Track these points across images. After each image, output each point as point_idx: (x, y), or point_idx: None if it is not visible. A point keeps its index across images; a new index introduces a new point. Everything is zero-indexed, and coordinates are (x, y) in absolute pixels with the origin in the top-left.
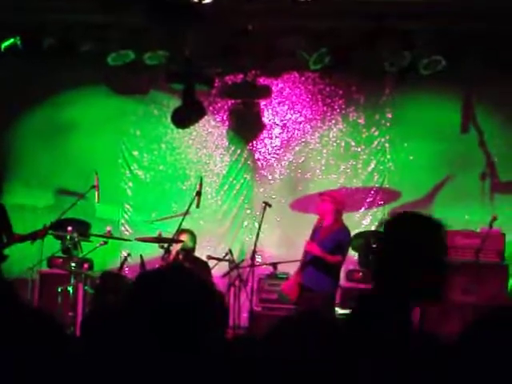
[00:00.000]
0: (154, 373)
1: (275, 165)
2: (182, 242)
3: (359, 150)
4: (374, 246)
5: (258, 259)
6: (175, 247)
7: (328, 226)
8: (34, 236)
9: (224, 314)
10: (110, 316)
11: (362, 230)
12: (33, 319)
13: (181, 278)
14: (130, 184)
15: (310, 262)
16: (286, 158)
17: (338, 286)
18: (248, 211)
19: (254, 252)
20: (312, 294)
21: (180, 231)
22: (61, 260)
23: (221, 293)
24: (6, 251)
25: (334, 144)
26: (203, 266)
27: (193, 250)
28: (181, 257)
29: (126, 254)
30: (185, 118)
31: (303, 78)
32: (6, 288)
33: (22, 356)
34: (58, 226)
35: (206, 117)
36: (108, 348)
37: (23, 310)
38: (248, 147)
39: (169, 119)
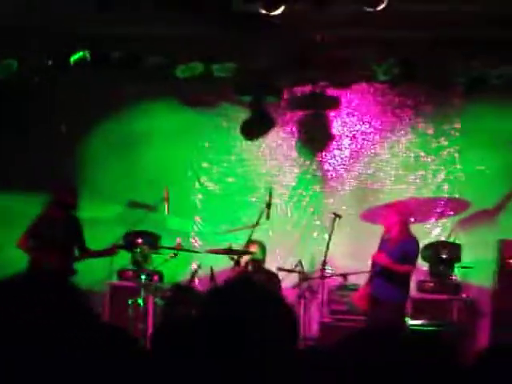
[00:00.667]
0: None
1: (344, 176)
2: (251, 253)
3: (428, 160)
4: (445, 256)
5: (328, 270)
6: (245, 259)
7: (395, 237)
8: (105, 254)
9: (294, 327)
10: (180, 329)
11: (431, 240)
12: (107, 332)
13: (251, 292)
14: (200, 196)
15: (378, 273)
16: (355, 169)
17: (408, 296)
18: (317, 222)
19: (324, 263)
20: (381, 305)
21: (250, 242)
22: (131, 272)
23: (290, 306)
24: (77, 265)
25: (403, 155)
26: (273, 278)
27: (263, 261)
28: (250, 268)
29: (196, 266)
30: (254, 129)
31: (372, 89)
32: (80, 300)
33: (95, 368)
34: (129, 243)
35: (275, 128)
36: (179, 361)
37: (97, 323)
38: (317, 158)
39: (238, 131)
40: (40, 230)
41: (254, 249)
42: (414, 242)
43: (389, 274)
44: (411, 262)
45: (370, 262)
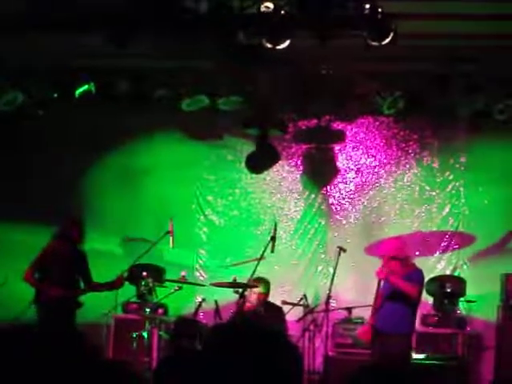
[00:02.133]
0: None
1: (349, 209)
2: (256, 287)
3: (434, 194)
4: (449, 290)
5: (333, 304)
6: (251, 293)
7: (399, 271)
8: (110, 286)
9: (298, 365)
10: (185, 362)
11: (436, 274)
12: (106, 372)
13: (254, 331)
14: (205, 229)
15: (383, 305)
16: (360, 202)
17: (414, 328)
18: (322, 256)
19: (329, 297)
20: (388, 338)
21: (254, 280)
22: (136, 305)
23: (294, 343)
24: (82, 298)
25: (409, 188)
26: (277, 312)
27: (266, 295)
28: (256, 303)
29: (200, 299)
30: (259, 163)
31: (377, 123)
32: (77, 341)
33: None
34: (133, 275)
35: (279, 162)
36: None
37: (96, 363)
38: (322, 192)
39: (243, 164)
40: (46, 263)
41: (258, 284)
42: (419, 271)
43: (394, 304)
44: (419, 288)
45: (374, 296)
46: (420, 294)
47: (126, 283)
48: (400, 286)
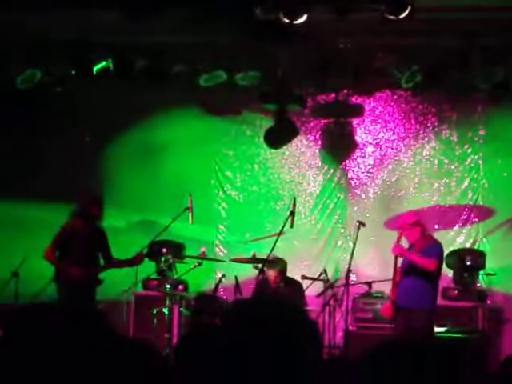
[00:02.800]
0: None
1: (368, 184)
2: (276, 262)
3: (452, 167)
4: (469, 263)
5: (353, 278)
6: (268, 272)
7: (418, 243)
8: (130, 263)
9: (317, 342)
10: (205, 338)
11: (456, 247)
12: (126, 351)
13: (274, 307)
14: (224, 205)
15: (404, 281)
16: (379, 176)
17: (436, 302)
18: (342, 230)
19: (349, 271)
20: (410, 313)
21: (270, 262)
22: (156, 282)
23: (313, 320)
24: (102, 275)
25: (427, 162)
26: (296, 287)
27: (284, 274)
28: (278, 280)
29: (220, 275)
30: (277, 138)
31: (395, 97)
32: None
33: None
34: (153, 251)
35: (298, 136)
36: (202, 370)
37: (115, 342)
38: (341, 166)
39: (261, 139)
40: (65, 241)
41: (274, 265)
42: (438, 244)
43: (414, 279)
44: (438, 261)
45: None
46: (439, 267)
47: (146, 260)
48: (416, 261)
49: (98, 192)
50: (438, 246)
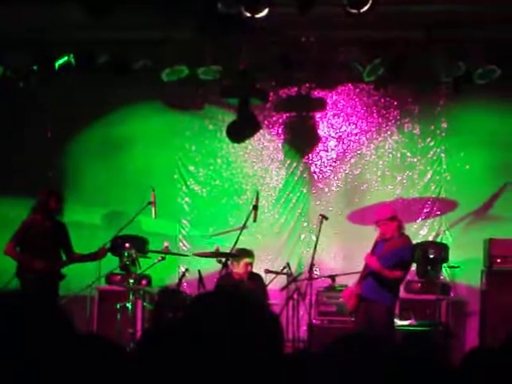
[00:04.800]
0: None
1: (331, 177)
2: (238, 256)
3: (415, 160)
4: (432, 256)
5: (316, 272)
6: (239, 263)
7: (392, 241)
8: (93, 257)
9: (279, 336)
10: (168, 332)
11: (419, 240)
12: (88, 345)
13: (235, 301)
14: (187, 199)
15: (370, 274)
16: (341, 170)
17: (397, 299)
18: (305, 224)
19: (312, 265)
20: (371, 304)
21: (239, 251)
22: (119, 277)
23: (274, 312)
24: (65, 270)
25: (390, 155)
26: (258, 281)
27: (252, 265)
28: (245, 273)
29: (184, 270)
30: (240, 132)
31: (358, 90)
32: (58, 315)
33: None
34: (116, 246)
35: (261, 131)
36: (166, 365)
37: (77, 337)
38: (304, 160)
39: (224, 134)
40: (26, 236)
41: (244, 255)
42: (410, 248)
43: (380, 276)
44: (404, 269)
45: (358, 263)
46: (406, 273)
47: (109, 254)
48: (386, 274)
49: (57, 186)
50: (409, 252)
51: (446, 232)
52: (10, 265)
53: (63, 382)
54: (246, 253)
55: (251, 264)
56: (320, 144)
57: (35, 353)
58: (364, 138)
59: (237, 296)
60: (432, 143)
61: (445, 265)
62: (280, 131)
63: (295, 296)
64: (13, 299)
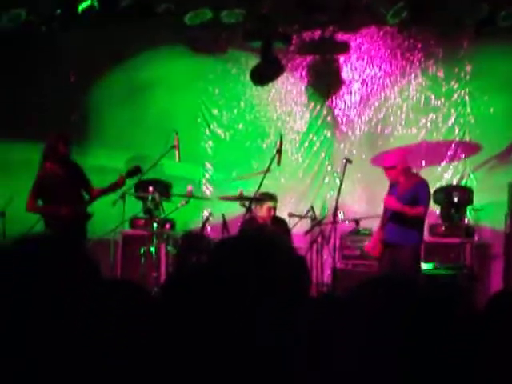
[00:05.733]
0: (233, 335)
1: (355, 121)
2: (262, 199)
3: (439, 103)
4: (456, 199)
5: (340, 216)
6: (262, 207)
7: (404, 183)
8: (113, 188)
9: (305, 276)
10: (192, 276)
11: (443, 183)
12: (112, 291)
13: (260, 244)
14: (210, 143)
15: (391, 218)
16: (365, 113)
17: (422, 239)
18: (329, 168)
19: (336, 209)
20: (396, 249)
21: (262, 195)
22: (143, 221)
23: (301, 256)
24: (90, 210)
25: (414, 98)
26: (282, 224)
27: (275, 209)
28: (268, 217)
29: (207, 214)
30: (263, 75)
31: (381, 33)
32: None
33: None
34: (135, 173)
35: (284, 74)
36: (190, 309)
37: (103, 282)
38: (327, 103)
39: (247, 77)
40: (43, 188)
41: (267, 199)
42: (424, 183)
43: (401, 218)
44: (424, 203)
45: (381, 207)
46: (427, 207)
47: (133, 198)
48: (407, 212)
49: (80, 131)
50: (424, 187)
51: (471, 175)
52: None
53: (89, 326)
54: (270, 197)
55: (274, 208)
56: (343, 87)
57: (61, 298)
58: (388, 81)
59: (260, 239)
60: (456, 86)
61: (469, 208)
62: (303, 74)
63: (319, 240)
64: (38, 244)
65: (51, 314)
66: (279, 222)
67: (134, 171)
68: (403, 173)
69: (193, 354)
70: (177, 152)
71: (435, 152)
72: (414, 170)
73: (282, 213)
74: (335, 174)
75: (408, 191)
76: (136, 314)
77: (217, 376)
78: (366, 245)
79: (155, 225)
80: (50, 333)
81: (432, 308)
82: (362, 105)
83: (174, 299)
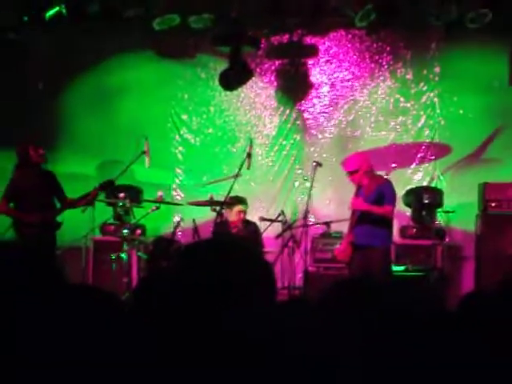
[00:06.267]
0: (201, 339)
1: (325, 124)
2: (232, 204)
3: (408, 105)
4: (427, 201)
5: (311, 219)
6: (232, 211)
7: (368, 184)
8: (85, 199)
9: (272, 283)
10: (163, 281)
11: (413, 185)
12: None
13: (228, 247)
14: (180, 148)
15: (359, 220)
16: (335, 116)
17: (392, 240)
18: (299, 171)
19: (307, 212)
20: (366, 251)
21: (232, 199)
22: (113, 227)
23: (269, 264)
24: (60, 218)
25: (383, 101)
26: (254, 229)
27: (246, 212)
28: (239, 221)
29: (178, 219)
30: (232, 80)
31: (350, 36)
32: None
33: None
34: (108, 186)
35: (253, 78)
36: (161, 313)
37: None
38: (297, 107)
39: (216, 82)
40: (16, 192)
41: (237, 202)
42: (388, 183)
43: (370, 219)
44: (391, 202)
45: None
46: (394, 206)
47: (103, 205)
48: (374, 211)
49: (51, 138)
50: (389, 186)
51: (441, 177)
52: (4, 217)
53: (55, 332)
54: (239, 200)
55: (244, 211)
56: (313, 90)
57: (25, 304)
58: (357, 84)
59: (227, 243)
60: (425, 88)
61: (439, 210)
62: (272, 78)
63: (290, 243)
64: (4, 251)
65: (10, 322)
66: (250, 226)
67: (107, 184)
68: (366, 175)
69: (163, 357)
70: (147, 158)
71: (405, 154)
72: (383, 172)
73: (253, 217)
74: (305, 178)
75: (373, 192)
76: (103, 320)
77: (186, 379)
78: (336, 249)
79: (126, 231)
80: (9, 342)
81: (402, 310)
82: (331, 108)
83: (144, 304)
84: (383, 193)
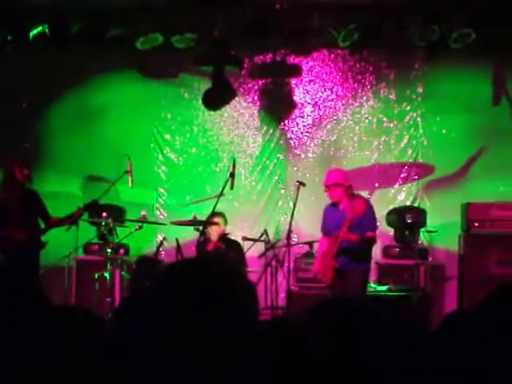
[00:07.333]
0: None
1: (308, 143)
2: (216, 224)
3: (391, 125)
4: (410, 221)
5: (294, 239)
6: (211, 229)
7: (349, 205)
8: (70, 219)
9: (254, 302)
10: (145, 301)
11: (396, 205)
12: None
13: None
14: (164, 168)
15: (345, 250)
16: (318, 136)
17: (371, 260)
18: (282, 191)
19: (290, 231)
20: (348, 274)
21: (212, 215)
22: (97, 246)
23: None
24: (45, 238)
25: (366, 120)
26: (237, 248)
27: (225, 228)
28: (218, 238)
29: (161, 238)
30: (215, 99)
31: (333, 56)
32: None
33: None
34: (92, 207)
35: (236, 98)
36: (142, 332)
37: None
38: (280, 127)
39: (199, 102)
40: (0, 211)
41: (216, 219)
42: (371, 207)
43: (355, 247)
44: (374, 227)
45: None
46: (377, 227)
47: (87, 224)
48: (365, 240)
49: (34, 157)
50: (373, 210)
51: (424, 197)
52: None
53: (41, 355)
54: (214, 214)
55: (219, 224)
56: (296, 110)
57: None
58: (340, 104)
59: (208, 263)
60: (408, 108)
61: (422, 229)
62: (255, 98)
63: (273, 263)
64: None
65: None
66: (233, 245)
67: (92, 204)
68: (346, 193)
69: (145, 375)
70: (130, 177)
71: (388, 174)
72: (366, 192)
73: (236, 236)
74: (288, 197)
75: (366, 215)
76: (85, 340)
77: None
78: (314, 268)
79: (109, 250)
80: None
81: (384, 330)
82: (314, 127)
83: (126, 323)
84: (369, 218)
